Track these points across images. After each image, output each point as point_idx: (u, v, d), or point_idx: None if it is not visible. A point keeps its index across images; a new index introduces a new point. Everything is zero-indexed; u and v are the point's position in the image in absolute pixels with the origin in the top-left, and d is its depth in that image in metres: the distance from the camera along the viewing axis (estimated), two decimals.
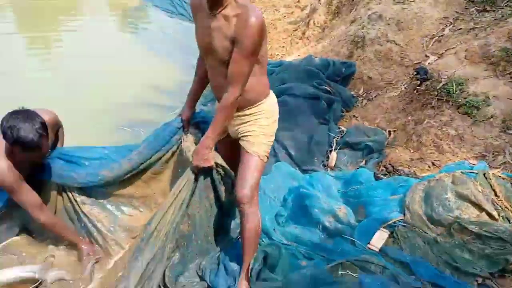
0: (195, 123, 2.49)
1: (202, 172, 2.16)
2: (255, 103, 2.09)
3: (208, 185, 2.23)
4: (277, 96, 2.30)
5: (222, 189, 2.27)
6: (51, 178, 2.39)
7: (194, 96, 2.47)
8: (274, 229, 2.57)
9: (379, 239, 2.35)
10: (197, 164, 2.10)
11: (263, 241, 2.47)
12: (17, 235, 2.50)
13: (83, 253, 2.41)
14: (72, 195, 2.47)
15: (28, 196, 2.21)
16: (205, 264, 2.27)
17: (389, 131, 3.77)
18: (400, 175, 3.05)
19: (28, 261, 2.32)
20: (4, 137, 2.01)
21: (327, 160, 3.61)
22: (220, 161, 2.19)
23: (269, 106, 2.16)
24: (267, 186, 3.00)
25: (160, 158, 2.47)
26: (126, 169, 2.39)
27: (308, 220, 2.61)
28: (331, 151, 3.71)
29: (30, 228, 2.52)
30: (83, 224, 2.48)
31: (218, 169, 2.20)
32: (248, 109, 2.09)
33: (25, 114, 2.03)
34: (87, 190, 2.49)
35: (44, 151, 2.14)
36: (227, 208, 2.37)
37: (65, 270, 2.31)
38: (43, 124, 2.07)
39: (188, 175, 2.17)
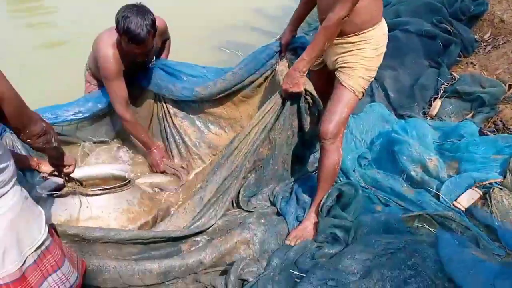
0: (293, 48, 2.39)
1: (290, 97, 2.10)
2: (363, 30, 1.89)
3: (293, 112, 2.17)
4: (388, 31, 2.06)
5: (307, 119, 2.20)
6: (149, 85, 2.55)
7: (297, 20, 2.34)
8: (354, 170, 2.47)
9: (468, 198, 2.13)
10: (286, 88, 2.02)
11: (340, 180, 2.40)
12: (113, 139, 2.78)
13: (155, 156, 2.60)
14: (166, 106, 2.63)
15: (120, 89, 2.36)
16: (278, 191, 2.30)
17: (510, 85, 3.24)
18: (510, 134, 2.65)
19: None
20: (116, 27, 2.13)
21: (429, 108, 3.28)
22: (311, 88, 2.08)
23: (378, 35, 1.94)
24: (355, 126, 2.86)
25: (253, 81, 2.46)
26: (220, 89, 2.44)
27: (393, 167, 2.45)
28: (435, 98, 3.34)
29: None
30: (171, 135, 2.66)
31: (307, 96, 2.11)
32: (353, 35, 1.90)
33: (140, 9, 2.12)
34: (181, 104, 2.63)
35: (147, 49, 2.25)
36: (308, 140, 2.32)
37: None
38: (153, 22, 2.15)
39: (276, 99, 2.13)
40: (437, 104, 3.24)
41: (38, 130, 1.34)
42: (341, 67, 1.99)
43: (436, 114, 3.18)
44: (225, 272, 1.97)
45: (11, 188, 1.29)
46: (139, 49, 2.19)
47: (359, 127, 2.86)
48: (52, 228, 1.64)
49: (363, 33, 1.90)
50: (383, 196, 2.27)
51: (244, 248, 2.03)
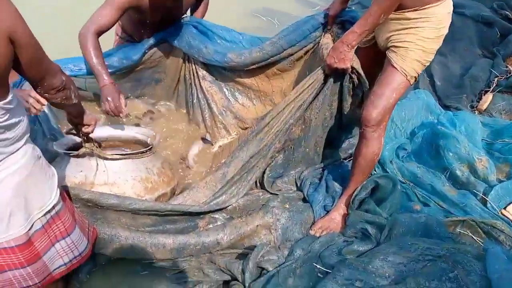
0: (341, 21, 2.13)
1: (334, 74, 1.88)
2: (426, 5, 1.62)
3: (335, 92, 1.96)
4: None
5: (349, 100, 1.98)
6: (179, 43, 2.37)
7: None
8: (391, 161, 2.27)
9: None
10: (331, 63, 1.80)
11: (375, 171, 2.21)
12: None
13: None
14: (195, 67, 2.46)
15: (105, 17, 1.98)
16: (307, 175, 2.13)
17: None
18: None
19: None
20: None
21: (478, 101, 3.00)
22: (358, 66, 1.85)
23: (442, 14, 1.67)
24: (397, 113, 2.60)
25: (292, 54, 2.24)
26: (254, 59, 2.23)
27: (436, 163, 2.23)
28: (486, 91, 3.05)
29: None
30: (197, 98, 2.49)
31: (353, 75, 1.88)
32: (413, 10, 1.64)
33: None
34: (210, 67, 2.45)
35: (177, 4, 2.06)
36: (347, 124, 2.12)
37: None
38: None
39: (317, 75, 1.92)
40: (488, 98, 2.95)
41: (57, 83, 1.20)
42: (394, 46, 1.75)
43: (485, 109, 2.90)
44: (242, 256, 1.85)
45: (22, 145, 1.17)
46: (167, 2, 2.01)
47: (400, 115, 2.62)
48: (65, 191, 1.53)
49: (425, 8, 1.65)
50: (422, 193, 2.07)
51: (265, 233, 1.89)
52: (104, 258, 1.81)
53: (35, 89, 1.21)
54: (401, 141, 2.42)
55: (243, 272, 1.68)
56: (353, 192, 1.93)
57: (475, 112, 2.90)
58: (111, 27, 2.09)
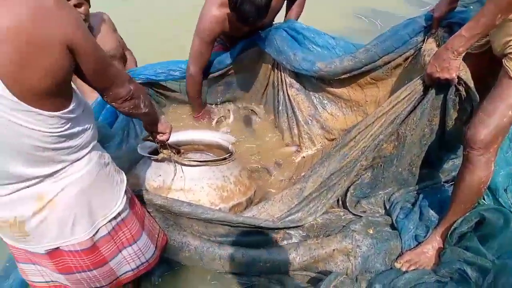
0: (448, 24, 1.82)
1: (436, 85, 1.62)
2: None
3: (436, 106, 1.68)
4: None
5: (454, 116, 1.69)
6: (268, 49, 2.30)
7: None
8: (505, 190, 1.88)
9: None
10: (432, 72, 1.55)
11: (484, 201, 1.86)
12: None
13: (201, 117, 2.56)
14: (283, 74, 2.37)
15: (202, 50, 2.23)
16: (398, 198, 1.88)
17: None
18: None
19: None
20: None
21: None
22: (466, 77, 1.56)
23: None
24: None
25: (389, 62, 1.99)
26: (346, 68, 2.04)
27: None
28: None
29: None
30: (284, 106, 2.40)
31: (459, 87, 1.58)
32: None
33: None
34: (299, 74, 2.33)
35: (255, 27, 2.07)
36: (450, 142, 1.81)
37: None
38: (267, 6, 1.91)
39: (415, 86, 1.67)
40: None
41: (124, 93, 1.19)
42: None
43: None
44: (314, 280, 1.70)
45: (87, 153, 1.18)
46: (247, 28, 2.02)
47: None
48: (137, 196, 1.55)
49: None
50: None
51: (342, 259, 1.71)
52: (177, 263, 1.82)
53: (102, 97, 1.22)
54: None
55: None
56: (452, 224, 1.64)
57: None
58: (209, 58, 2.34)
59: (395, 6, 4.53)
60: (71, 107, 1.05)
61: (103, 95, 1.18)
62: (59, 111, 1.02)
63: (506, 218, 1.60)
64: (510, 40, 1.45)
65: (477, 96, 1.58)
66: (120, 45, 2.50)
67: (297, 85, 2.34)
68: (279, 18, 2.46)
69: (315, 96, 2.33)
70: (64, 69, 0.98)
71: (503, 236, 1.57)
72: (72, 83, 1.07)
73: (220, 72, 2.48)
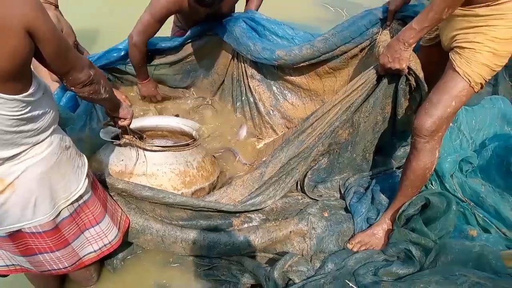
0: (402, 17, 1.91)
1: (388, 75, 1.71)
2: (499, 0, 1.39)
3: (388, 94, 1.78)
4: None
5: (404, 104, 1.80)
6: (228, 39, 2.32)
7: None
8: (452, 175, 2.03)
9: None
10: (385, 62, 1.64)
11: (431, 185, 1.99)
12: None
13: (152, 86, 2.47)
14: (244, 66, 2.39)
15: (150, 27, 2.15)
16: (352, 183, 1.98)
17: None
18: None
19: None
20: None
21: None
22: (416, 67, 1.66)
23: None
24: (466, 121, 2.34)
25: (346, 52, 2.06)
26: (305, 56, 2.09)
27: (506, 183, 1.95)
28: None
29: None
30: (246, 98, 2.43)
31: (410, 77, 1.69)
32: (485, 6, 1.41)
33: None
34: (259, 65, 2.37)
35: (212, 11, 2.05)
36: (400, 130, 1.92)
37: None
38: None
39: (369, 75, 1.76)
40: None
41: (83, 78, 1.20)
42: (459, 47, 1.53)
43: None
44: (272, 261, 1.78)
45: (48, 136, 1.19)
46: (204, 10, 1.99)
47: (470, 123, 2.34)
48: (98, 180, 1.56)
49: (498, 4, 1.40)
50: (483, 216, 1.82)
51: (298, 240, 1.80)
52: (139, 247, 1.86)
53: (62, 82, 1.22)
54: (466, 153, 2.16)
55: (268, 279, 1.61)
56: (400, 207, 1.75)
57: None
58: (156, 33, 2.24)
59: (361, 1, 4.63)
60: (31, 90, 1.06)
61: (63, 79, 1.19)
62: (19, 94, 1.03)
63: (448, 202, 1.73)
64: (456, 35, 1.55)
65: (426, 86, 1.69)
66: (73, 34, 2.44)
67: (258, 76, 2.38)
68: (239, 8, 2.46)
69: (276, 87, 2.38)
70: (24, 52, 0.98)
71: (445, 218, 1.70)
72: (32, 67, 1.08)
73: (178, 57, 2.46)
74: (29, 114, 1.07)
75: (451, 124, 2.22)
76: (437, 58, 1.76)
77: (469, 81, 1.51)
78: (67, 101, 2.25)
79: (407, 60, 1.61)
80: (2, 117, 1.01)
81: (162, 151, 1.85)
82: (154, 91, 2.49)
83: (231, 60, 2.44)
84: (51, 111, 1.18)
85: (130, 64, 2.38)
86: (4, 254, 1.35)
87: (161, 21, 2.16)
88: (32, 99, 1.06)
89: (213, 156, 2.25)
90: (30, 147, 1.14)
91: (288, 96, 2.37)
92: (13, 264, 1.40)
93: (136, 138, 1.78)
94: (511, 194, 1.90)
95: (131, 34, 2.21)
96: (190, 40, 2.38)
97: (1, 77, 0.95)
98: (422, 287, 1.44)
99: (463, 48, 1.52)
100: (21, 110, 1.04)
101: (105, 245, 1.52)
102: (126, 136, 1.74)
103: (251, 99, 2.40)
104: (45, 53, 1.05)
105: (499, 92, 2.71)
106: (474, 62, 1.49)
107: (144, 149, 1.80)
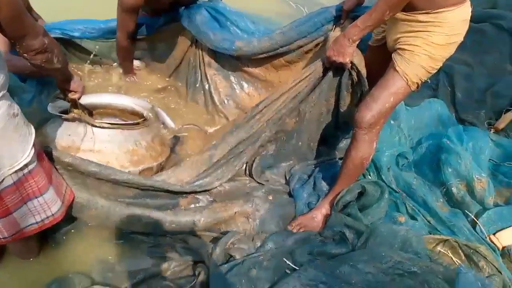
0: (354, 16, 2.03)
1: (333, 68, 1.82)
2: (437, 8, 1.53)
3: (332, 87, 1.90)
4: (475, 22, 1.67)
5: (347, 97, 1.92)
6: (188, 26, 2.34)
7: None
8: (389, 168, 2.19)
9: (511, 235, 1.81)
10: (330, 55, 1.75)
11: (369, 175, 2.14)
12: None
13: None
14: (201, 53, 2.43)
15: (127, 23, 2.23)
16: (296, 170, 2.09)
17: None
18: None
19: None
20: None
21: (496, 119, 2.83)
22: (359, 63, 1.78)
23: (456, 20, 1.57)
24: (406, 119, 2.51)
25: (301, 46, 2.17)
26: (263, 48, 2.17)
27: (434, 177, 2.14)
28: (508, 110, 2.88)
29: None
30: (201, 85, 2.47)
31: (352, 71, 1.82)
32: (424, 13, 1.55)
33: None
34: (217, 54, 2.42)
35: None
36: (343, 122, 2.05)
37: None
38: None
39: (316, 67, 1.87)
40: (508, 117, 2.77)
41: (37, 45, 1.20)
42: (401, 48, 1.67)
43: (502, 129, 2.74)
44: (216, 240, 1.84)
45: None
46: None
47: (409, 122, 2.52)
48: (44, 152, 1.55)
49: (436, 12, 1.55)
50: (412, 206, 1.99)
51: (242, 221, 1.87)
52: (83, 222, 1.85)
53: (15, 48, 1.22)
54: (403, 149, 2.33)
55: (210, 255, 1.67)
56: (338, 194, 1.88)
57: (491, 131, 2.75)
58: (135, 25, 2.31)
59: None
60: None
61: (16, 45, 1.18)
62: None
63: (382, 190, 1.88)
64: (400, 37, 1.68)
65: (366, 82, 1.82)
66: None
67: (215, 65, 2.43)
68: None
69: (233, 76, 2.44)
70: None
71: (377, 205, 1.85)
72: None
73: (139, 36, 2.48)
74: None
75: (392, 122, 2.39)
76: (382, 57, 1.88)
77: (407, 80, 1.65)
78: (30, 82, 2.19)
79: (351, 55, 1.72)
80: None
81: (111, 128, 1.86)
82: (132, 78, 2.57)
83: (189, 47, 2.47)
84: (1, 76, 1.17)
85: (86, 40, 2.36)
86: None
87: (134, 13, 2.21)
88: None
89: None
90: None
91: (245, 87, 2.44)
92: None
93: (85, 113, 1.77)
94: (437, 187, 2.09)
95: (117, 39, 2.32)
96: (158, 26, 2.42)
97: None
98: (351, 265, 1.56)
99: (404, 50, 1.65)
100: None
101: (47, 217, 1.51)
102: (75, 111, 1.73)
103: (206, 87, 2.45)
104: (0, 16, 1.04)
105: (438, 96, 2.93)
106: (412, 63, 1.63)
107: (93, 125, 1.80)
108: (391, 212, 1.94)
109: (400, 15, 1.62)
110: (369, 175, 2.17)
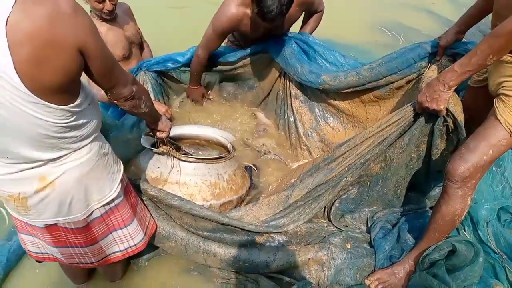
0: (453, 53, 1.88)
1: (425, 114, 1.68)
2: None
3: (425, 133, 1.75)
4: None
5: (440, 146, 1.76)
6: (277, 58, 2.39)
7: (467, 20, 1.82)
8: (487, 223, 1.94)
9: None
10: (422, 101, 1.62)
11: (464, 231, 1.92)
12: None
13: (199, 92, 2.67)
14: (289, 85, 2.44)
15: (212, 43, 2.33)
16: (380, 217, 1.96)
17: None
18: None
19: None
20: None
21: None
22: (455, 110, 1.61)
23: None
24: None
25: (392, 82, 2.07)
26: (349, 83, 2.13)
27: None
28: None
29: None
30: (286, 117, 2.47)
31: (448, 118, 1.65)
32: None
33: None
34: (304, 87, 2.41)
35: (274, 26, 2.10)
36: (434, 171, 1.87)
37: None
38: (289, 4, 1.95)
39: (405, 112, 1.74)
40: None
41: (126, 93, 1.31)
42: (504, 94, 1.49)
43: None
44: (288, 284, 1.81)
45: (88, 143, 1.30)
46: (266, 24, 2.04)
47: None
48: (132, 184, 1.67)
49: None
50: None
51: (316, 268, 1.80)
52: (164, 251, 1.96)
53: (106, 95, 1.34)
54: (507, 202, 2.05)
55: None
56: (425, 250, 1.71)
57: None
58: (219, 47, 2.42)
59: (421, 23, 4.50)
60: (77, 102, 1.17)
61: (107, 93, 1.30)
62: (66, 105, 1.13)
63: (476, 252, 1.66)
64: (504, 81, 1.50)
65: (464, 130, 1.64)
66: (139, 33, 2.64)
67: (302, 97, 2.42)
68: (294, 29, 2.52)
69: (318, 109, 2.41)
70: (75, 69, 1.09)
71: (469, 269, 1.63)
72: (85, 79, 1.19)
73: (229, 67, 2.57)
74: (73, 123, 1.18)
75: (494, 169, 2.13)
76: (483, 100, 1.71)
77: (510, 131, 1.46)
78: (114, 108, 2.42)
79: (446, 101, 1.58)
80: (49, 124, 1.12)
81: (195, 162, 1.94)
82: (199, 98, 2.69)
83: (277, 78, 2.51)
84: (94, 120, 1.29)
85: (184, 72, 2.55)
86: (40, 243, 1.48)
87: (222, 36, 2.32)
88: (77, 109, 1.17)
89: (245, 169, 2.31)
90: (71, 152, 1.26)
91: (330, 120, 2.40)
92: (47, 253, 1.54)
93: (172, 149, 1.88)
94: None
95: (198, 46, 2.41)
96: (245, 56, 2.49)
97: (52, 90, 1.06)
98: None
99: (508, 96, 1.48)
100: (67, 119, 1.15)
101: (130, 247, 1.63)
102: (163, 146, 1.84)
103: (291, 119, 2.45)
104: (93, 69, 1.16)
105: None
106: None
107: (179, 159, 1.90)
108: (487, 277, 1.70)
109: (506, 57, 1.45)
110: (464, 229, 1.95)
